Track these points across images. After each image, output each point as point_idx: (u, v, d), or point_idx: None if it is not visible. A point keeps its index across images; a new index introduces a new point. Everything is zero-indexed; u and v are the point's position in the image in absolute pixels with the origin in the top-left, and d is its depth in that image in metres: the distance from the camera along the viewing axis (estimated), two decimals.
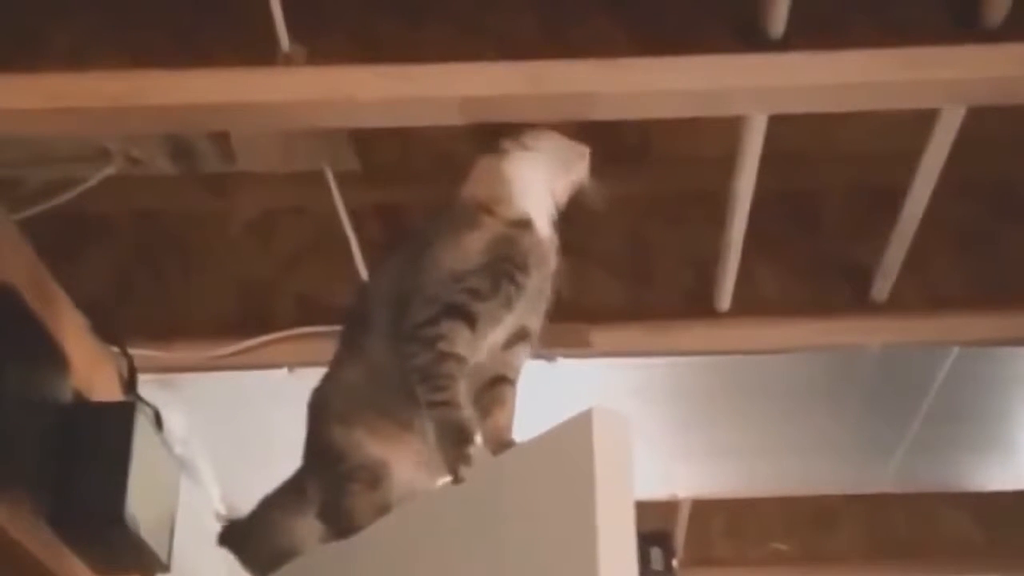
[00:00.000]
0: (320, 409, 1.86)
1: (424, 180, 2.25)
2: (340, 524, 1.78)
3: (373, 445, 1.77)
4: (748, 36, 1.74)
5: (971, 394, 2.74)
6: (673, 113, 1.86)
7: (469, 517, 1.60)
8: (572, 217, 2.23)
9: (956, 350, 2.58)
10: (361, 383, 1.80)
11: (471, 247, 1.69)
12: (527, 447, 1.57)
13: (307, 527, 1.90)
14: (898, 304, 2.32)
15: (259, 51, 1.77)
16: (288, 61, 1.76)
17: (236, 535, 2.03)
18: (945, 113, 1.90)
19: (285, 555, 1.94)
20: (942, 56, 1.72)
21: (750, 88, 1.74)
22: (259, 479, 3.00)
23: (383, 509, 1.75)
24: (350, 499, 1.77)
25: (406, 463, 1.78)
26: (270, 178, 2.36)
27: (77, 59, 1.82)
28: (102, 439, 2.05)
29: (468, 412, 1.69)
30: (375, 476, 1.77)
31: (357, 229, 2.24)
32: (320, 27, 1.79)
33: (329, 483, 1.81)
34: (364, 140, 2.24)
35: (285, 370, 2.44)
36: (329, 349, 1.91)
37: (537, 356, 2.42)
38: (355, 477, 1.78)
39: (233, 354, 2.36)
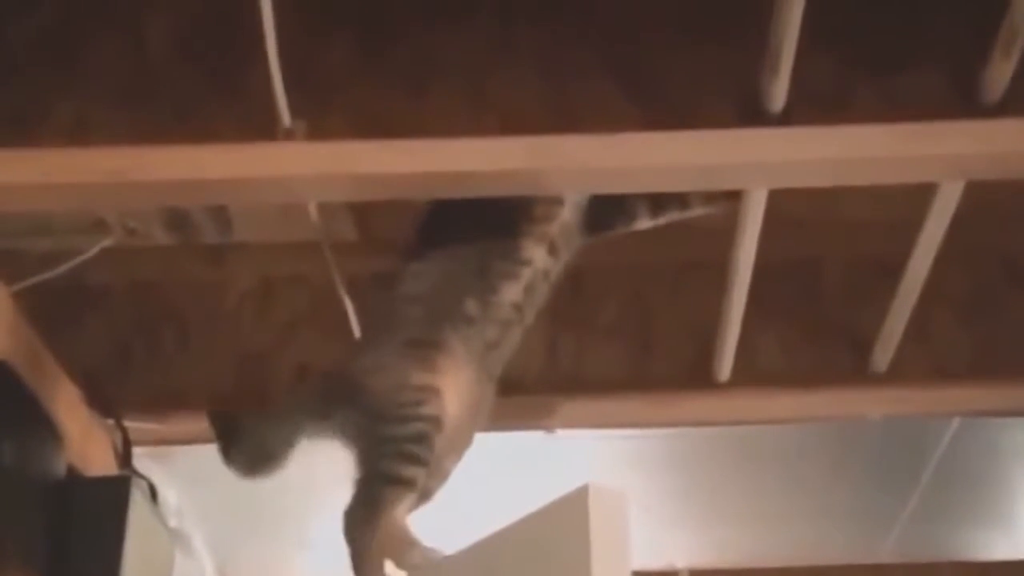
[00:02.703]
0: None
1: None
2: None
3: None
4: (749, 110, 1.74)
5: (972, 464, 2.73)
6: (675, 187, 1.86)
7: None
8: (573, 287, 2.24)
9: (957, 421, 2.57)
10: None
11: None
12: (524, 523, 1.56)
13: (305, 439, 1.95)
14: (899, 374, 2.30)
15: (259, 126, 1.77)
16: (289, 136, 1.76)
17: (229, 425, 2.01)
18: (945, 184, 1.90)
19: (272, 460, 1.96)
20: (943, 131, 1.72)
21: (751, 163, 1.74)
22: (253, 552, 3.00)
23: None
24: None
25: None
26: (267, 248, 2.36)
27: (77, 134, 1.81)
28: (97, 513, 2.04)
29: None
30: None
31: (355, 298, 2.23)
32: (321, 101, 1.79)
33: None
34: (361, 210, 2.23)
35: None
36: None
37: (536, 428, 2.44)
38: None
39: None
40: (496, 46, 1.85)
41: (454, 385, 1.90)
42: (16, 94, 1.83)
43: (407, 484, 1.82)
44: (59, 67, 1.86)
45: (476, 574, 1.63)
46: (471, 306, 1.93)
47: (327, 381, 1.98)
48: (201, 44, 1.88)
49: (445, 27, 1.86)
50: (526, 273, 1.95)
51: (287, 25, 1.73)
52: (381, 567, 1.79)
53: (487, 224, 1.95)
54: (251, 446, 1.98)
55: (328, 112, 1.79)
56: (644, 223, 2.04)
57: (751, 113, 1.73)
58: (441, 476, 1.93)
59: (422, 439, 1.84)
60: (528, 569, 1.52)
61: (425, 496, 1.90)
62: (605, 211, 2.02)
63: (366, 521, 1.81)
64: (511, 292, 1.94)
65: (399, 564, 1.77)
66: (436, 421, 1.85)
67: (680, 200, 2.01)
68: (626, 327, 2.39)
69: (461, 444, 1.96)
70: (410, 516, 1.85)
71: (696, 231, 2.17)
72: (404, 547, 1.78)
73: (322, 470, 2.69)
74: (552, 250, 1.97)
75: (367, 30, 1.87)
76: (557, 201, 1.96)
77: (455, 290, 1.93)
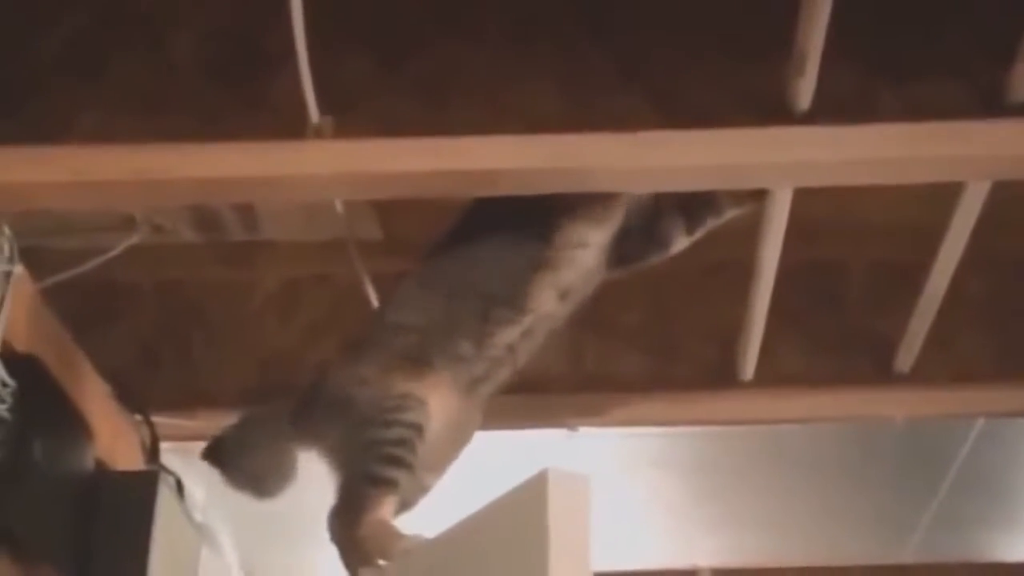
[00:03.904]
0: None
1: None
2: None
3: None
4: (773, 110, 1.74)
5: (996, 466, 2.72)
6: (697, 187, 1.86)
7: None
8: (596, 289, 2.24)
9: (980, 422, 2.57)
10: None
11: None
12: (488, 509, 1.57)
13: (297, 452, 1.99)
14: (922, 376, 2.31)
15: (286, 125, 1.78)
16: (317, 134, 1.77)
17: (222, 452, 2.04)
18: (970, 187, 1.90)
19: (271, 475, 2.01)
20: (967, 131, 1.72)
21: (775, 163, 1.74)
22: (278, 547, 3.01)
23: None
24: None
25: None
26: (293, 247, 2.37)
27: (104, 133, 1.83)
28: (124, 508, 2.06)
29: None
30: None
31: (379, 297, 2.24)
32: (344, 109, 1.80)
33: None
34: (386, 209, 2.25)
35: None
36: None
37: (559, 426, 2.44)
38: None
39: None
40: (516, 52, 1.86)
41: (439, 400, 1.91)
42: (43, 104, 1.85)
43: (390, 484, 1.84)
44: (85, 78, 1.88)
45: (442, 560, 1.65)
46: (465, 347, 1.92)
47: (304, 396, 1.99)
48: (225, 55, 1.89)
49: (465, 35, 1.87)
50: (528, 320, 1.93)
51: (310, 36, 1.74)
52: (369, 564, 1.81)
53: (501, 263, 1.93)
54: (247, 473, 2.03)
55: (350, 120, 1.80)
56: (681, 244, 2.01)
57: (775, 113, 1.74)
58: (421, 490, 1.96)
59: (404, 443, 1.86)
60: (491, 554, 1.53)
61: (406, 506, 1.93)
62: (635, 244, 1.99)
63: (352, 522, 1.84)
64: (508, 336, 1.93)
65: (386, 557, 1.80)
66: (419, 428, 1.87)
67: (714, 208, 1.98)
68: (649, 328, 2.40)
69: (441, 462, 1.98)
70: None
71: (718, 233, 2.17)
72: (391, 541, 1.80)
73: None
74: (564, 297, 1.94)
75: (388, 40, 1.88)
76: (581, 245, 1.93)
77: (451, 329, 1.92)
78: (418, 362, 1.91)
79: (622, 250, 1.98)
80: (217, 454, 2.03)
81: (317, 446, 1.95)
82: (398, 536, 1.82)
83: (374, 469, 1.85)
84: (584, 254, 1.94)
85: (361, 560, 1.83)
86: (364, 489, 1.85)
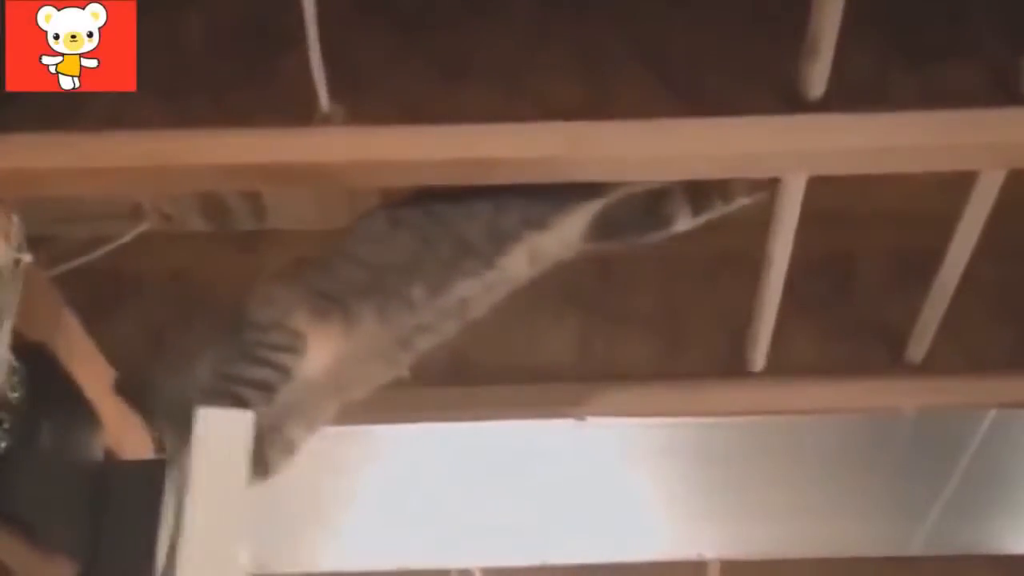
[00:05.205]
0: None
1: None
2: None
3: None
4: (788, 98, 1.73)
5: (1008, 456, 2.71)
6: (712, 175, 1.85)
7: None
8: (604, 276, 2.23)
9: (993, 412, 2.55)
10: None
11: None
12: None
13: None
14: (934, 366, 2.29)
15: (297, 111, 1.78)
16: (326, 121, 1.76)
17: (133, 385, 1.93)
18: (984, 175, 1.89)
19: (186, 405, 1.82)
20: (984, 118, 1.71)
21: (790, 151, 1.73)
22: (287, 538, 3.01)
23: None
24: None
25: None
26: (301, 235, 2.36)
27: (113, 119, 1.82)
28: (133, 496, 2.05)
29: None
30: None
31: None
32: (357, 90, 1.79)
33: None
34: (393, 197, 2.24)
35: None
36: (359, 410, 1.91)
37: (567, 416, 2.44)
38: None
39: None
40: (533, 35, 1.85)
41: (330, 351, 1.81)
42: None
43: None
44: None
45: None
46: (417, 293, 1.82)
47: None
48: (235, 36, 1.88)
49: (482, 17, 1.86)
50: (491, 276, 1.85)
51: (324, 15, 1.73)
52: None
53: (480, 216, 1.84)
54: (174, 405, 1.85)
55: (365, 100, 1.80)
56: (683, 224, 1.94)
57: (789, 100, 1.73)
58: (284, 445, 1.84)
59: (265, 386, 1.76)
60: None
61: (263, 464, 1.81)
62: (632, 219, 1.92)
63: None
64: (466, 288, 1.84)
65: None
66: (286, 375, 1.77)
67: (723, 194, 1.92)
68: (658, 317, 2.39)
69: (316, 417, 1.86)
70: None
71: (729, 221, 2.16)
72: None
73: (351, 456, 2.73)
74: (534, 261, 1.87)
75: (404, 20, 1.87)
76: (561, 211, 1.85)
77: (410, 272, 1.82)
78: (337, 306, 1.81)
79: (613, 222, 1.90)
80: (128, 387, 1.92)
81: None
82: None
83: (216, 403, 1.73)
84: (566, 221, 1.87)
85: None
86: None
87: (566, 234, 1.88)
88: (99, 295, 2.34)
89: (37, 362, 1.86)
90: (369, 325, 1.82)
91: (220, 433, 1.63)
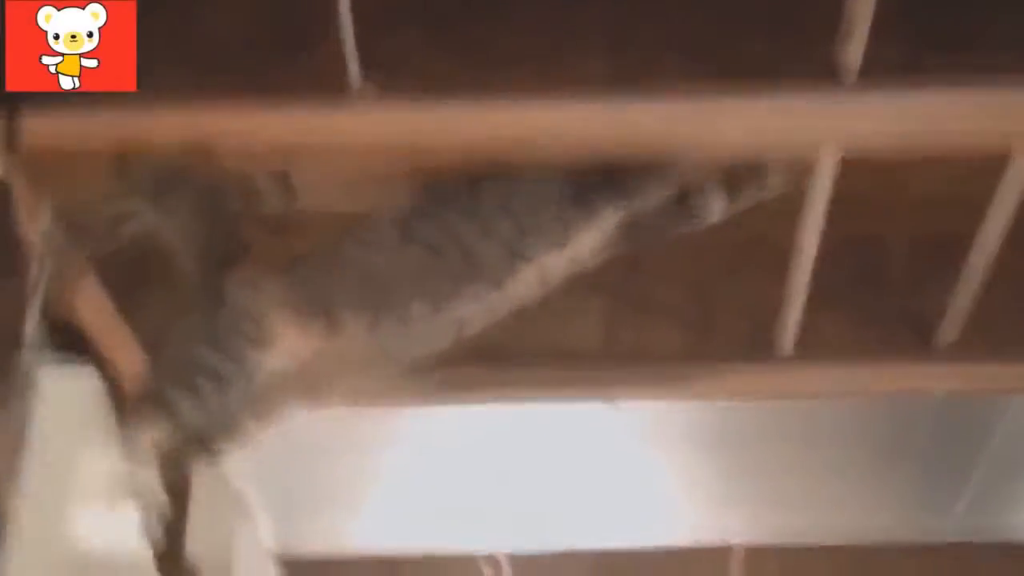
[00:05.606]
0: None
1: None
2: None
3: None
4: (825, 76, 1.73)
5: None
6: (748, 154, 1.84)
7: None
8: (631, 263, 2.23)
9: (1020, 398, 2.55)
10: None
11: None
12: None
13: None
14: (963, 351, 2.29)
15: (329, 91, 1.78)
16: (360, 98, 1.76)
17: None
18: (1016, 160, 1.88)
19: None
20: (1016, 103, 1.70)
21: (826, 128, 1.73)
22: (314, 519, 3.02)
23: None
24: None
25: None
26: (330, 217, 2.36)
27: (144, 99, 1.82)
28: None
29: None
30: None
31: None
32: (390, 69, 1.79)
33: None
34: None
35: (344, 411, 2.43)
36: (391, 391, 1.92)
37: (597, 399, 2.44)
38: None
39: None
40: (565, 19, 1.85)
41: (307, 349, 1.76)
42: None
43: (166, 408, 1.69)
44: None
45: None
46: (417, 309, 1.74)
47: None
48: (269, 18, 1.88)
49: (514, 3, 1.86)
50: (494, 298, 1.77)
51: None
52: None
53: (496, 235, 1.75)
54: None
55: (397, 79, 1.79)
56: (716, 216, 1.87)
57: (827, 79, 1.72)
58: (263, 420, 1.79)
59: (220, 380, 1.69)
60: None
61: (238, 437, 1.77)
62: (659, 218, 1.84)
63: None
64: (466, 310, 1.76)
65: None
66: (248, 374, 1.71)
67: (758, 181, 1.86)
68: (687, 302, 2.38)
69: (272, 415, 1.80)
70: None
71: (757, 208, 2.16)
72: None
73: (376, 437, 2.74)
74: (543, 282, 1.79)
75: (435, 4, 1.87)
76: (584, 226, 1.76)
77: (412, 288, 1.74)
78: (323, 312, 1.75)
79: (642, 224, 1.83)
80: None
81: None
82: None
83: (164, 386, 1.69)
84: (588, 238, 1.79)
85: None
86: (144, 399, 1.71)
87: (580, 251, 1.80)
88: (128, 276, 2.34)
89: (69, 343, 1.87)
90: (356, 334, 1.75)
91: (64, 392, 1.58)
